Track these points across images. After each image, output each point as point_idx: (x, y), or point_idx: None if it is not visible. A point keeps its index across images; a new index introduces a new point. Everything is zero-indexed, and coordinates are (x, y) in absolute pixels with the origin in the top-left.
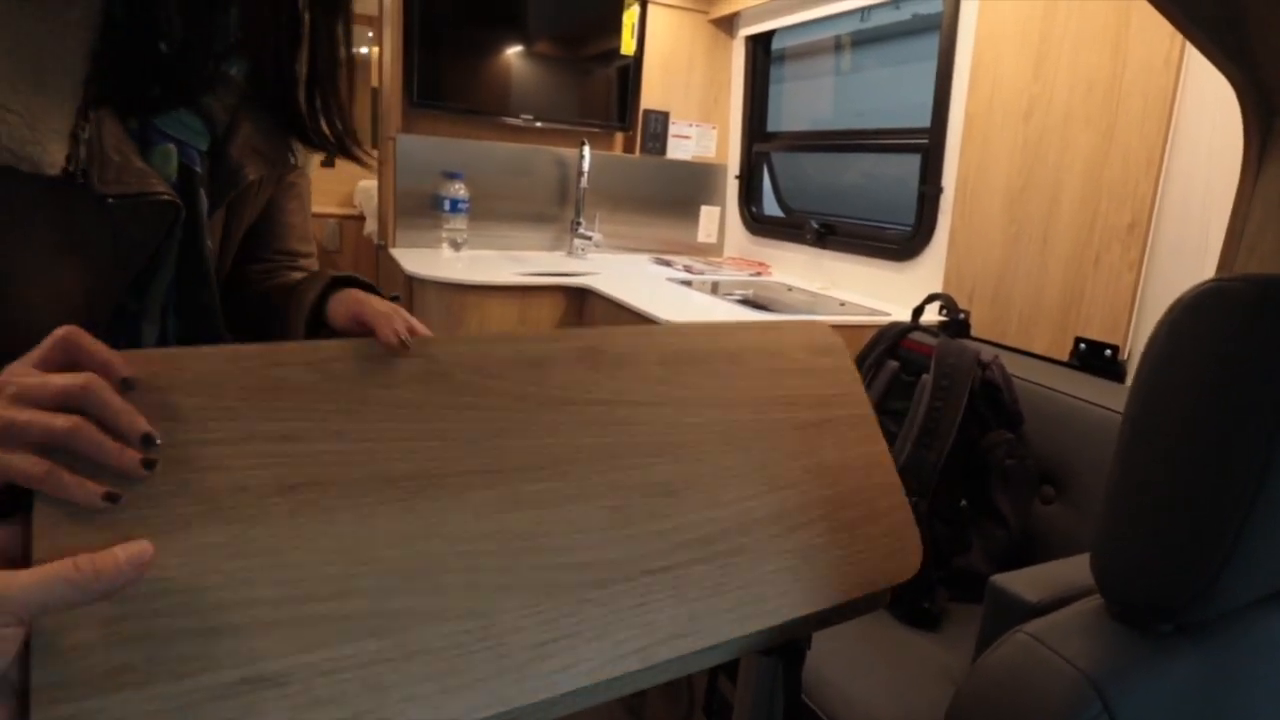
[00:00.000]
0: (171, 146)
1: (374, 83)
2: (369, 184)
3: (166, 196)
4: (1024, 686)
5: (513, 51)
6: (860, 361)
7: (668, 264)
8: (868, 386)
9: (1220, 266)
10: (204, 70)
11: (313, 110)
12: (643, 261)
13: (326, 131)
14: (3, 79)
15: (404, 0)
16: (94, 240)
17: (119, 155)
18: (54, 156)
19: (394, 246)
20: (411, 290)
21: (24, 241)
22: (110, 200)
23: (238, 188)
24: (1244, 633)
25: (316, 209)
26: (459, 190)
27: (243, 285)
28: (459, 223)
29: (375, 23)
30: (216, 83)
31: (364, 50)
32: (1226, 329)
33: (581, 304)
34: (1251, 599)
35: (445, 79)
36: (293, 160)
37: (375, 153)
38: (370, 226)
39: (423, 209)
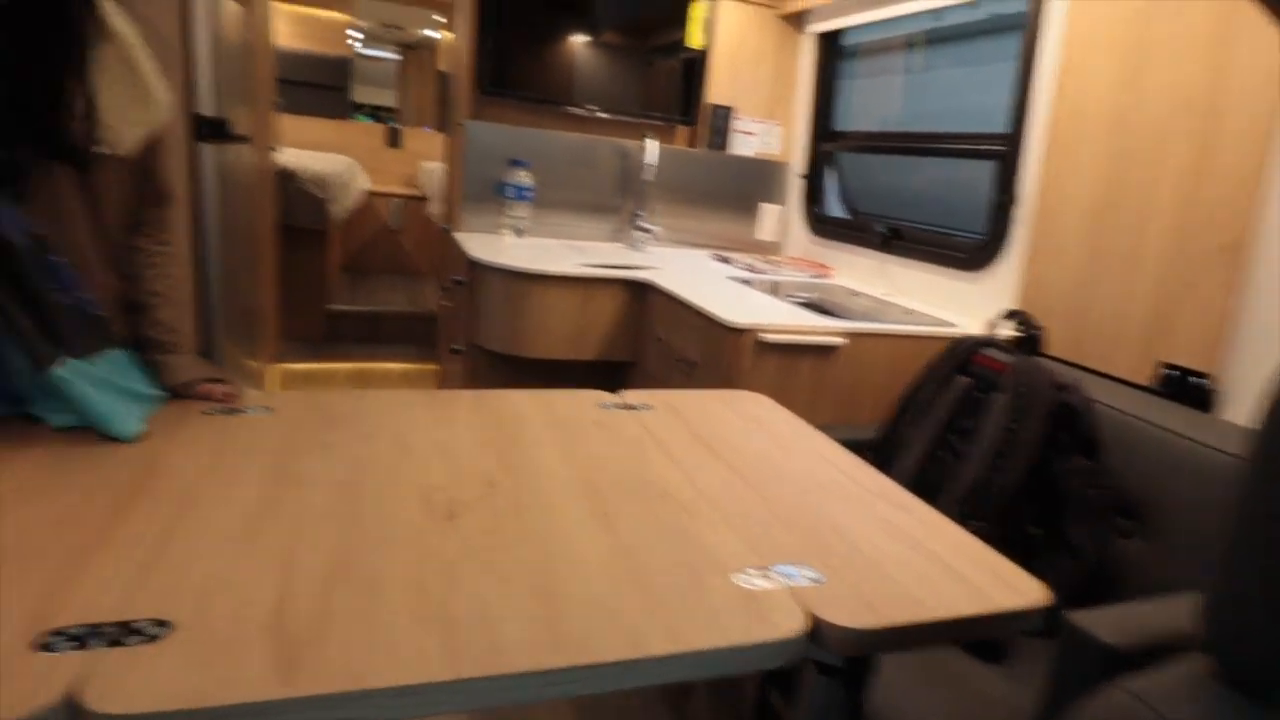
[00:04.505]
0: None
1: (440, 67)
2: (432, 165)
3: None
4: None
5: (579, 41)
6: (928, 375)
7: (727, 260)
8: (932, 401)
9: None
10: None
11: None
12: (702, 257)
13: None
14: None
15: None
16: None
17: None
18: None
19: (459, 230)
20: (476, 275)
21: None
22: None
23: None
24: None
25: (382, 188)
26: (524, 178)
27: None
28: (522, 210)
29: (448, 9)
30: None
31: (433, 34)
32: None
33: (642, 299)
34: None
35: (514, 68)
36: None
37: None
38: (432, 207)
39: (487, 194)
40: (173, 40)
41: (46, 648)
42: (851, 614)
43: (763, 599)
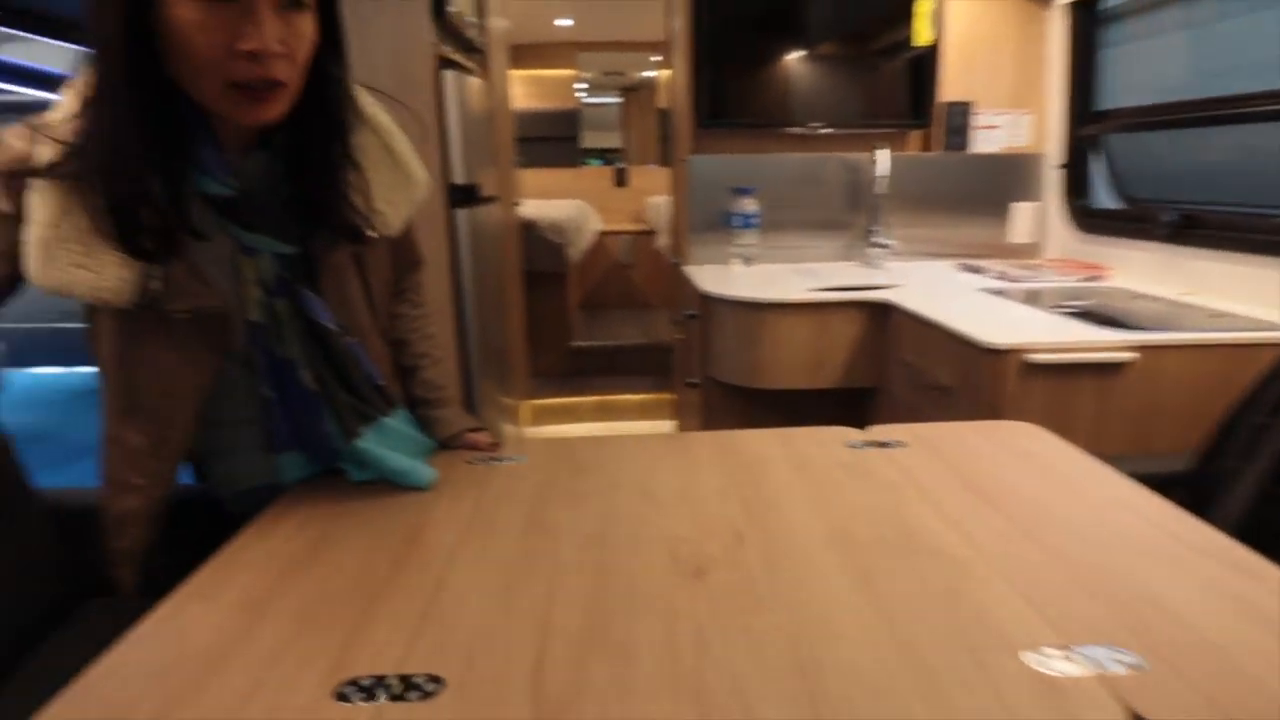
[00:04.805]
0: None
1: (660, 104)
2: (658, 200)
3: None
4: None
5: (794, 58)
6: (1258, 393)
7: (977, 270)
8: (1266, 425)
9: None
10: None
11: None
12: (947, 268)
13: None
14: None
15: (693, 25)
16: None
17: None
18: None
19: (688, 264)
20: (708, 308)
21: None
22: None
23: None
24: None
25: (612, 226)
26: (750, 206)
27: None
28: (750, 237)
29: (665, 49)
30: None
31: (651, 74)
32: None
33: (883, 320)
34: None
35: (731, 97)
36: None
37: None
38: (660, 240)
39: (713, 225)
40: (430, 122)
41: (343, 697)
42: (1192, 717)
43: (1067, 689)
